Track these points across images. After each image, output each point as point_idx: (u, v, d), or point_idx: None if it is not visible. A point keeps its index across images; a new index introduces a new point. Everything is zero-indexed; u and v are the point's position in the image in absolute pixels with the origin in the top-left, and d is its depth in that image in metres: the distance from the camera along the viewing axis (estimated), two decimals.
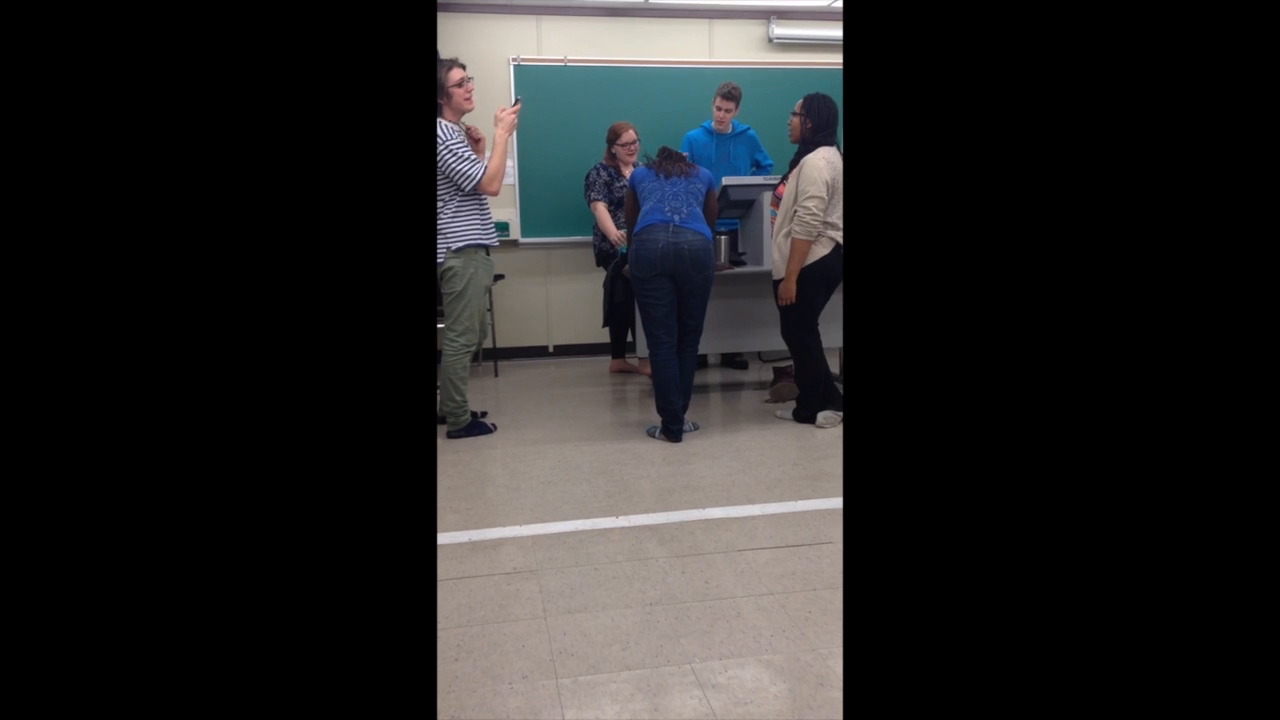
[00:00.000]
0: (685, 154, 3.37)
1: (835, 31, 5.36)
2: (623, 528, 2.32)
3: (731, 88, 4.43)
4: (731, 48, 5.33)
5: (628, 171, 4.38)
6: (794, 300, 3.24)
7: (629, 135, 4.33)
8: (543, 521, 2.39)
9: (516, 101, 3.45)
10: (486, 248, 3.27)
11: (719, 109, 4.44)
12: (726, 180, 3.96)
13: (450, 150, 3.07)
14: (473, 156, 3.13)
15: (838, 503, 2.49)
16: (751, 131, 4.62)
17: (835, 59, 5.42)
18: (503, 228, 5.07)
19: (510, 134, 3.19)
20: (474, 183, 3.10)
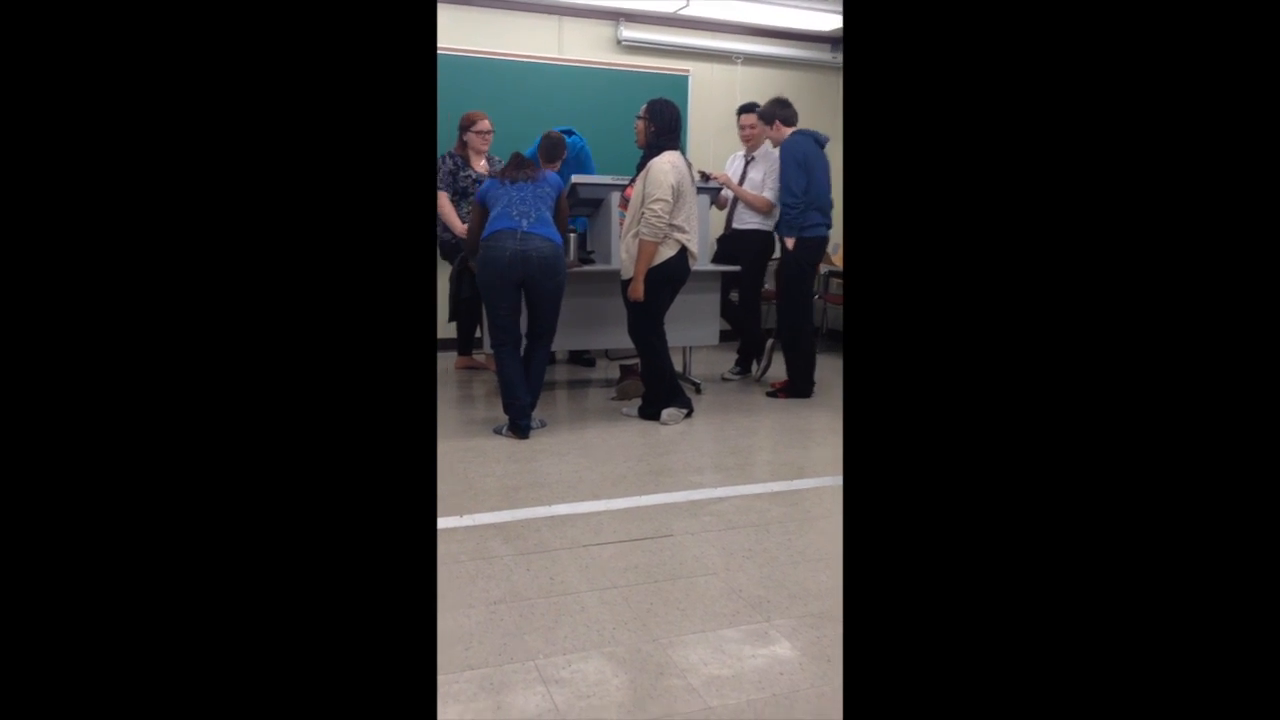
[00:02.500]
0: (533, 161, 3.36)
1: (681, 38, 5.50)
2: (467, 526, 2.30)
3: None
4: (580, 46, 5.35)
5: (478, 162, 4.30)
6: (641, 299, 3.31)
7: (484, 124, 4.25)
8: None
9: None
10: None
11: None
12: (576, 178, 3.99)
13: None
14: None
15: (680, 496, 2.58)
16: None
17: (681, 64, 5.57)
18: None
19: None
20: None
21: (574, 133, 4.46)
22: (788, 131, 3.90)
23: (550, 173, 3.30)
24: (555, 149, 3.84)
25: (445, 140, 4.45)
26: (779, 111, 3.94)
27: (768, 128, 3.99)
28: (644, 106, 3.38)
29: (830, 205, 3.94)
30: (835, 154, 4.07)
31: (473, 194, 4.00)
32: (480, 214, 3.22)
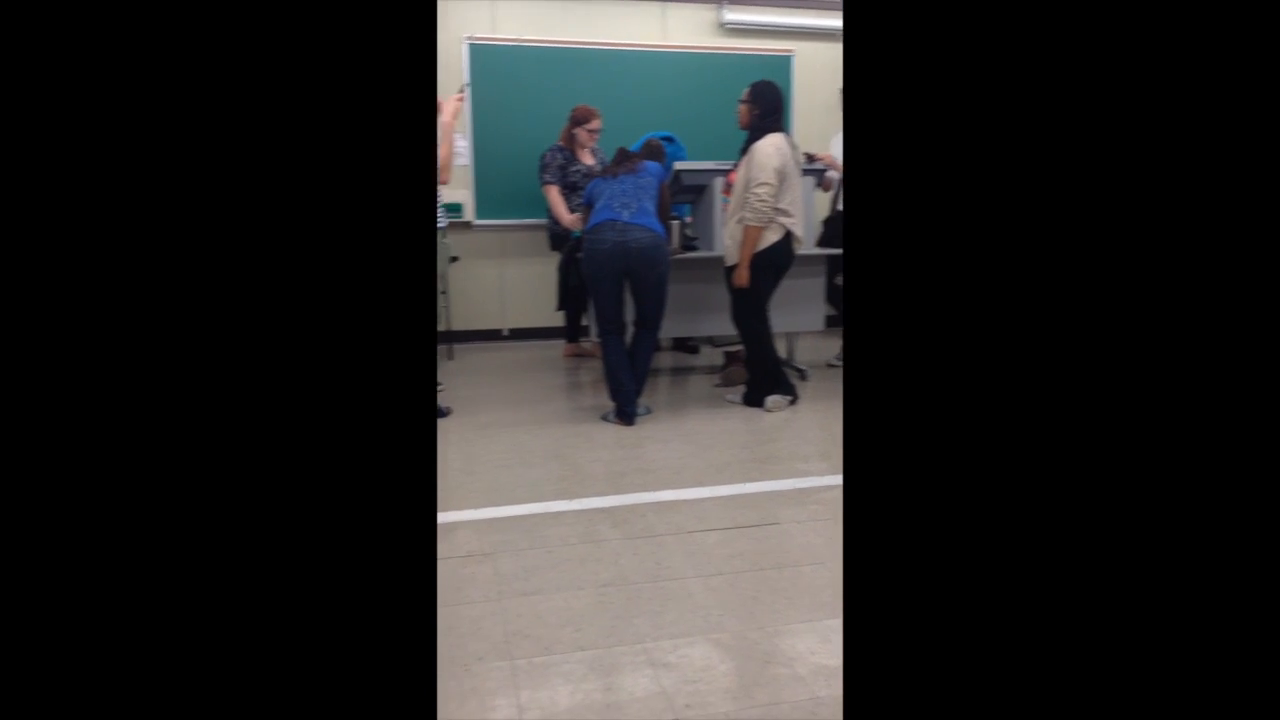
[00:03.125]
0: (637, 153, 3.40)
1: (785, 18, 5.40)
2: (576, 510, 2.36)
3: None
4: (684, 32, 5.34)
5: (584, 156, 4.38)
6: (746, 286, 3.29)
7: (596, 123, 4.32)
8: (497, 505, 2.42)
9: (461, 90, 3.42)
10: (441, 230, 3.27)
11: None
12: (679, 165, 4.00)
13: None
14: None
15: (785, 484, 2.57)
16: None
17: (784, 44, 5.47)
18: (456, 209, 5.03)
19: (454, 121, 3.20)
20: None
21: (674, 140, 4.47)
22: None
23: (651, 163, 3.32)
24: (655, 156, 3.88)
25: (552, 133, 4.54)
26: None
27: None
28: (746, 89, 3.36)
29: None
30: None
31: (582, 187, 4.08)
32: (588, 213, 3.28)
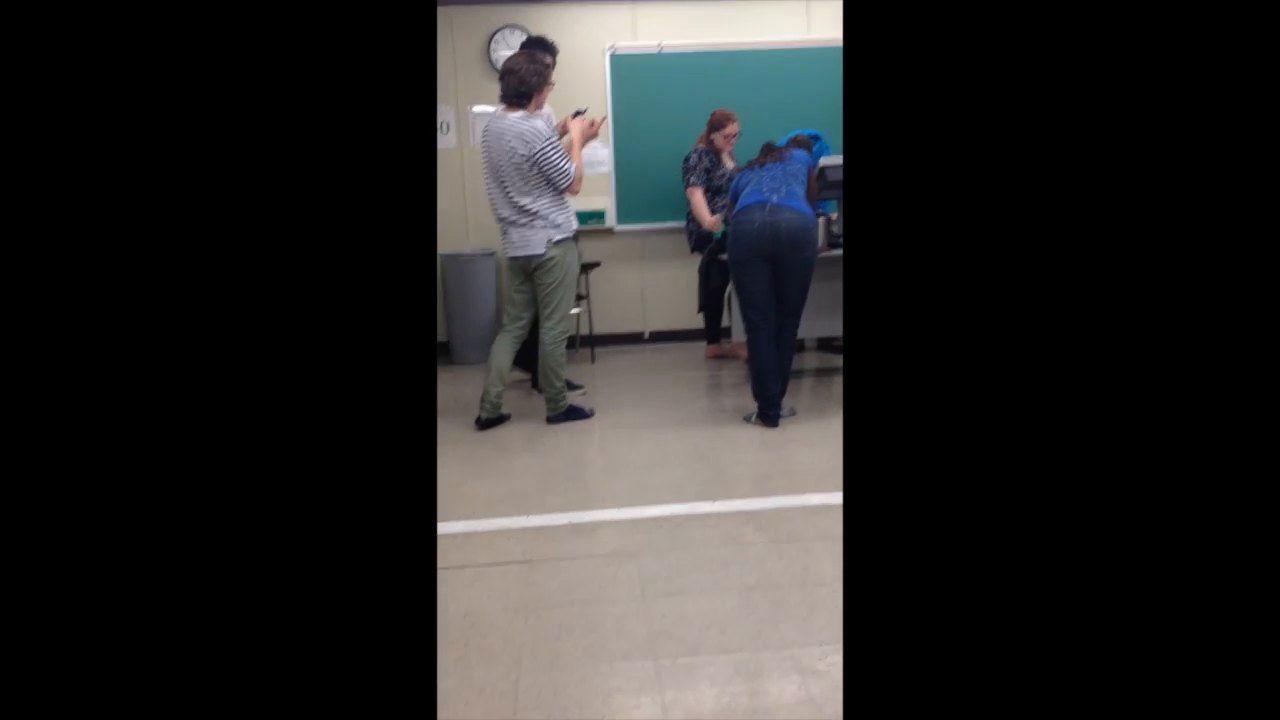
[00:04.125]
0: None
1: None
2: (719, 513, 2.33)
3: None
4: (831, 25, 5.20)
5: (726, 160, 4.35)
6: None
7: (733, 128, 4.30)
8: (640, 505, 2.42)
9: (579, 113, 3.49)
10: (572, 239, 3.34)
11: None
12: (824, 161, 3.88)
13: (554, 147, 3.13)
14: (568, 154, 3.21)
15: None
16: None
17: None
18: (599, 216, 5.12)
19: (581, 137, 3.33)
20: (570, 181, 3.17)
21: (820, 138, 4.36)
22: None
23: (799, 151, 3.24)
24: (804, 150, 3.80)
25: (691, 138, 4.53)
26: None
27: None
28: None
29: None
30: None
31: (725, 190, 4.06)
32: (734, 204, 3.25)
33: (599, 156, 5.07)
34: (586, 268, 4.66)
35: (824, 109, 5.07)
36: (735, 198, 3.24)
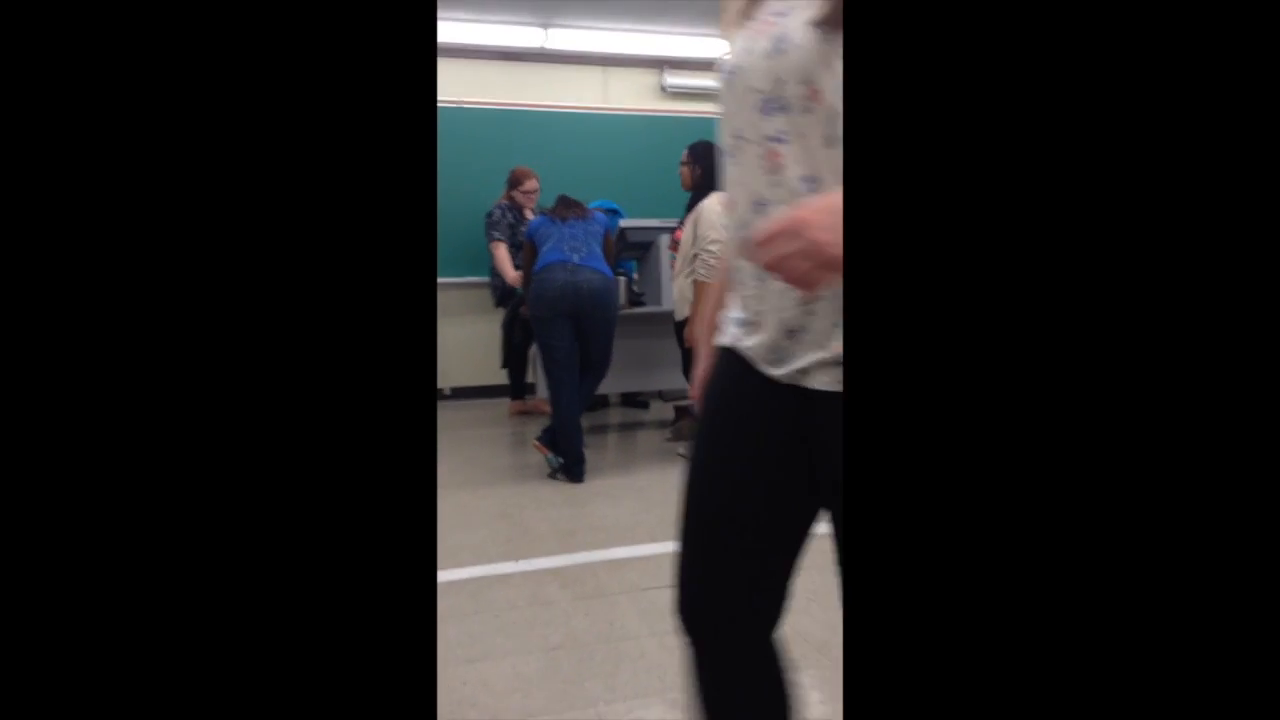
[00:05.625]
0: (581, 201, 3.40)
1: None
2: (524, 572, 2.27)
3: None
4: (626, 95, 5.44)
5: (529, 215, 4.38)
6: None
7: (532, 184, 4.34)
8: (441, 569, 2.30)
9: None
10: None
11: None
12: (624, 223, 4.02)
13: None
14: None
15: None
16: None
17: None
18: None
19: None
20: None
21: (619, 212, 4.52)
22: None
23: (599, 213, 3.33)
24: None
25: (493, 193, 4.54)
26: None
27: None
28: (685, 151, 3.42)
29: None
30: None
31: None
32: (531, 251, 3.26)
33: None
34: None
35: (622, 172, 5.28)
36: (533, 245, 3.26)
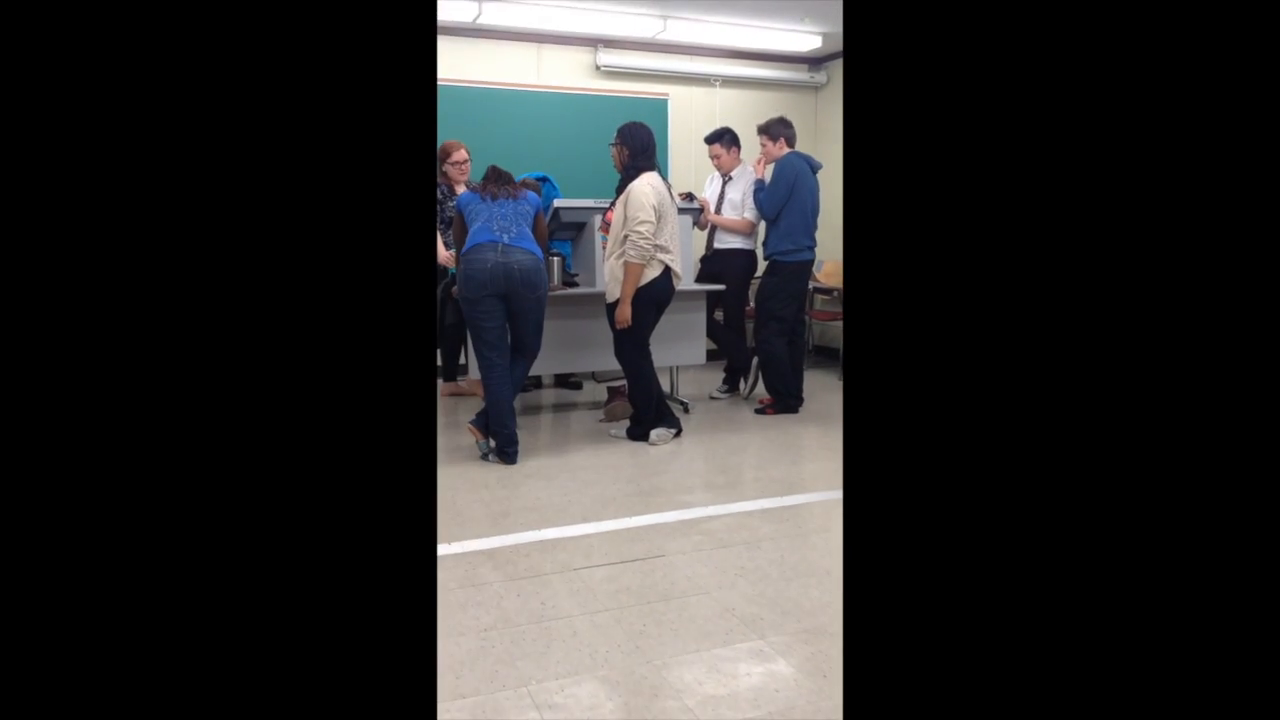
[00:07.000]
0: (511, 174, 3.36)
1: (659, 62, 5.55)
2: (456, 554, 2.27)
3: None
4: (560, 72, 5.39)
5: (459, 190, 4.31)
6: (629, 322, 3.30)
7: (460, 154, 4.27)
8: None
9: None
10: None
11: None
12: (558, 202, 3.99)
13: None
14: None
15: (671, 516, 2.56)
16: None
17: (660, 88, 5.61)
18: None
19: None
20: None
21: (549, 180, 4.48)
22: (787, 150, 3.97)
23: (530, 192, 3.30)
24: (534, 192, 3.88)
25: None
26: (783, 130, 4.02)
27: (771, 144, 4.02)
28: (616, 133, 3.41)
29: (815, 229, 3.99)
30: (825, 178, 4.12)
31: None
32: (461, 226, 3.22)
33: None
34: None
35: (555, 151, 5.23)
36: (462, 221, 3.21)
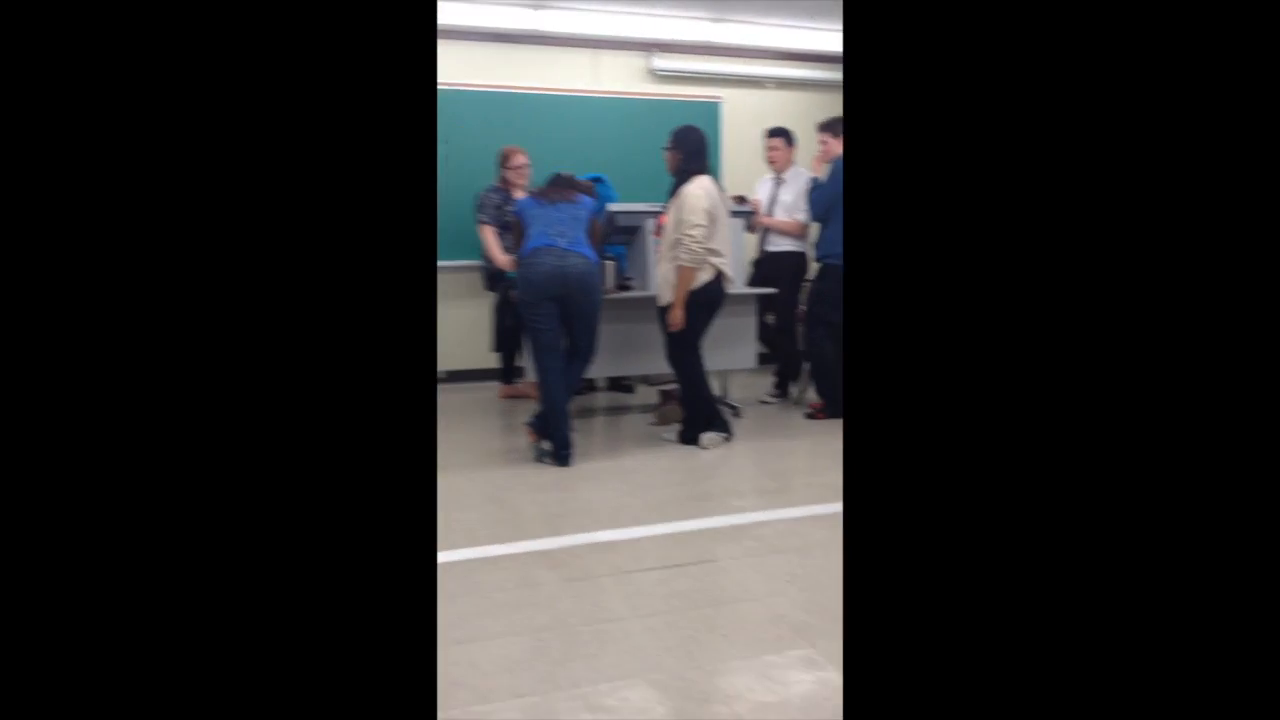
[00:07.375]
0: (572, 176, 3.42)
1: (713, 66, 5.56)
2: (512, 554, 2.33)
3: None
4: (615, 78, 5.45)
5: (519, 195, 4.40)
6: (681, 326, 3.34)
7: (519, 159, 4.36)
8: None
9: None
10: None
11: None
12: (613, 206, 4.05)
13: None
14: None
15: (721, 521, 2.58)
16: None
17: (713, 91, 5.63)
18: None
19: None
20: None
21: (604, 181, 4.53)
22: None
23: (585, 196, 3.36)
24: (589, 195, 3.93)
25: (485, 176, 4.56)
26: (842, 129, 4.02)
27: (833, 140, 4.00)
28: (670, 136, 3.44)
29: None
30: None
31: None
32: (519, 230, 3.29)
33: None
34: None
35: (611, 155, 5.29)
36: (520, 226, 3.28)
